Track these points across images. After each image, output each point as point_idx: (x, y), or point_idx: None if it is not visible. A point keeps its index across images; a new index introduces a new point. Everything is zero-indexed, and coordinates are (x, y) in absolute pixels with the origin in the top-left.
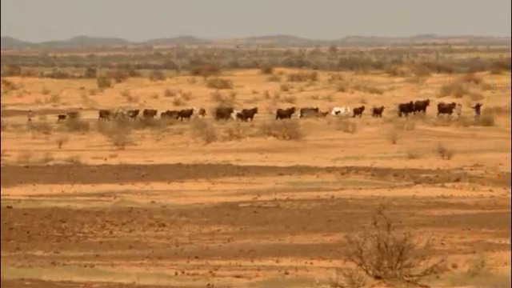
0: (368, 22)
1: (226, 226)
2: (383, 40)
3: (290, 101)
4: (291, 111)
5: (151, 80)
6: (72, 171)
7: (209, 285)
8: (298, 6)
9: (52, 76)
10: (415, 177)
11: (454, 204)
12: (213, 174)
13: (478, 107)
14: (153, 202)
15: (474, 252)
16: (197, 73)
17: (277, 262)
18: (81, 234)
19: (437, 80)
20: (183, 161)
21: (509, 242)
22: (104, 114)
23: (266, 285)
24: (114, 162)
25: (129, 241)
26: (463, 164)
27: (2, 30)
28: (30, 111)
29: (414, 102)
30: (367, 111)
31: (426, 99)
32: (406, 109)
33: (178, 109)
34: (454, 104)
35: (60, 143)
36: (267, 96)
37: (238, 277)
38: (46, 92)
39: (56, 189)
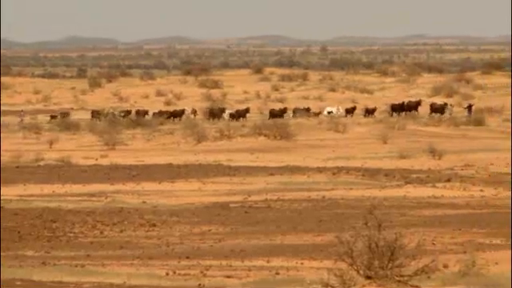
0: (359, 22)
1: (217, 226)
2: (374, 40)
3: (281, 101)
4: (284, 111)
5: (142, 80)
6: (63, 171)
7: (200, 285)
8: (288, 6)
9: (43, 76)
10: (406, 177)
11: (445, 204)
12: (204, 174)
13: (469, 107)
14: (144, 202)
15: (464, 252)
16: (188, 73)
17: (268, 262)
18: (71, 234)
19: (427, 80)
20: (174, 161)
21: (499, 242)
22: (96, 114)
23: (256, 285)
24: (104, 162)
25: (119, 241)
26: (454, 164)
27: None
28: (21, 111)
29: (405, 102)
30: (359, 111)
31: (418, 99)
32: (398, 109)
33: (169, 109)
34: (445, 104)
35: (51, 143)
36: (258, 96)
37: (228, 277)
38: (36, 92)
39: (47, 189)
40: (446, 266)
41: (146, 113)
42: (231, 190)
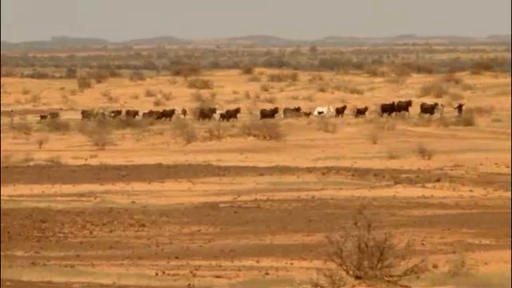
0: (348, 23)
1: (207, 226)
2: (363, 40)
3: (271, 101)
4: (275, 111)
5: (131, 80)
6: (52, 171)
7: (189, 285)
8: (278, 7)
9: (32, 76)
10: (396, 177)
11: (435, 204)
12: (193, 174)
13: (460, 107)
14: (133, 202)
15: (454, 252)
16: (177, 73)
17: (257, 262)
18: (61, 235)
19: (417, 80)
20: (164, 161)
21: (489, 242)
22: (86, 114)
23: (246, 285)
24: (94, 162)
25: (109, 241)
26: (444, 164)
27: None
28: (11, 111)
29: (396, 103)
30: (350, 111)
31: (408, 99)
32: (388, 109)
33: (159, 109)
34: (436, 104)
35: (40, 143)
36: (247, 96)
37: (218, 277)
38: (26, 92)
39: (36, 189)
40: (435, 266)
41: (136, 113)
42: (221, 190)
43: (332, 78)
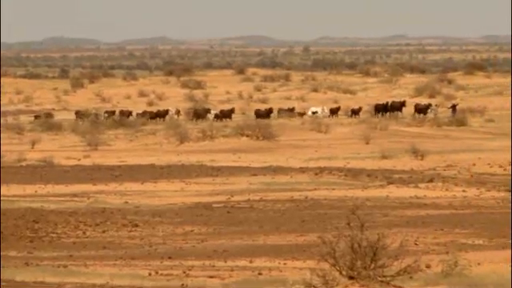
0: (341, 23)
1: (200, 226)
2: (356, 40)
3: (264, 101)
4: (269, 111)
5: (124, 80)
6: (45, 172)
7: (182, 285)
8: (271, 7)
9: (25, 76)
10: (388, 177)
11: (428, 204)
12: (186, 174)
13: (454, 107)
14: (126, 202)
15: (447, 252)
16: (170, 73)
17: (250, 262)
18: (54, 235)
19: (410, 80)
20: (157, 161)
21: (482, 242)
22: (80, 114)
23: (239, 285)
24: (87, 162)
25: (102, 241)
26: (436, 164)
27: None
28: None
29: (389, 103)
30: (343, 112)
31: (402, 100)
32: (382, 109)
33: (152, 109)
34: (430, 105)
35: (33, 143)
36: (240, 96)
37: (211, 277)
38: (18, 92)
39: (29, 189)
40: (428, 267)
41: (129, 113)
42: (214, 191)
43: (325, 79)
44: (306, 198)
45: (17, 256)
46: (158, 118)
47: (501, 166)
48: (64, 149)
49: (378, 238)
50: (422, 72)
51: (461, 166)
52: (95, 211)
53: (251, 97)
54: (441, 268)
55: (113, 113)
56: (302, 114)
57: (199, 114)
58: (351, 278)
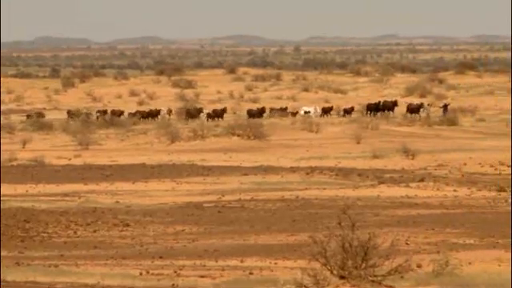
0: (332, 23)
1: (191, 225)
2: (347, 40)
3: (255, 101)
4: (262, 111)
5: (115, 80)
6: (36, 171)
7: (173, 285)
8: (262, 7)
9: (16, 76)
10: (379, 177)
11: (419, 204)
12: (177, 173)
13: (445, 107)
14: (117, 202)
15: (438, 252)
16: (161, 73)
17: (241, 262)
18: (45, 234)
19: (401, 80)
20: (148, 161)
21: (473, 242)
22: (72, 114)
23: (230, 285)
24: (78, 161)
25: (93, 241)
26: (427, 164)
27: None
28: None
29: (381, 102)
30: (335, 111)
31: (394, 99)
32: (374, 109)
33: (143, 109)
34: (422, 104)
35: (24, 143)
36: (231, 96)
37: (202, 277)
38: (9, 92)
39: (20, 189)
40: (419, 266)
41: (121, 113)
42: (205, 190)
43: (316, 78)
44: (297, 197)
45: (8, 256)
46: (149, 118)
47: (492, 166)
48: (55, 148)
49: (369, 238)
50: (413, 72)
51: (452, 165)
52: (86, 211)
53: (242, 96)
54: (432, 267)
55: (105, 112)
56: (294, 114)
57: (192, 114)
58: (342, 277)
